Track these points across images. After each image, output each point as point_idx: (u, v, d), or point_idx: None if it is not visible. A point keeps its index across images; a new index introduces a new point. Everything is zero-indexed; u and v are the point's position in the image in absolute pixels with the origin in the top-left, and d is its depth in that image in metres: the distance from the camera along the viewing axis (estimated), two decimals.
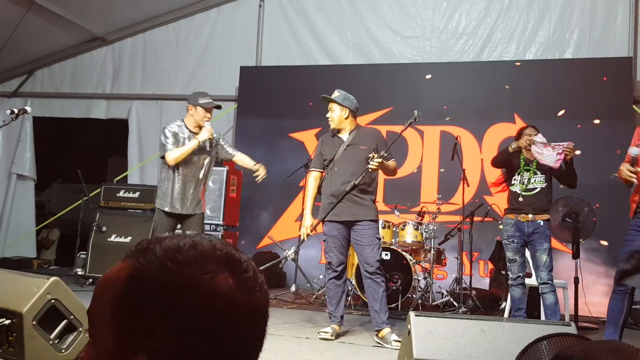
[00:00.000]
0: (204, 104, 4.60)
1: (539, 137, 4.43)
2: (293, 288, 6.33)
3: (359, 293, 5.82)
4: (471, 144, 7.22)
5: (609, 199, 6.48)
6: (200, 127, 4.61)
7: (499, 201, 6.73)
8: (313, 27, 8.34)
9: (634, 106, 6.79)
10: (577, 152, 4.47)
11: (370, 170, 4.18)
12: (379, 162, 4.16)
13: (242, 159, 4.82)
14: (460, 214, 6.17)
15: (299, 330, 4.49)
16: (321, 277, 6.78)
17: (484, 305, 5.97)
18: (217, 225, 6.44)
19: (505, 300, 5.30)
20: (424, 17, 7.93)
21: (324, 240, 4.43)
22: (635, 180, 3.57)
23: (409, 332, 2.45)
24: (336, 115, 4.45)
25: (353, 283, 5.92)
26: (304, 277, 6.65)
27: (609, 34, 7.16)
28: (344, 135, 4.46)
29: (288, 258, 4.55)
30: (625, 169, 3.56)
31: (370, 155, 4.23)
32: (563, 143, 4.36)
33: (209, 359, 0.70)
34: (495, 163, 4.77)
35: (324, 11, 8.30)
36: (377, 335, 4.18)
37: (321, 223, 4.40)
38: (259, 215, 8.01)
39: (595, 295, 6.46)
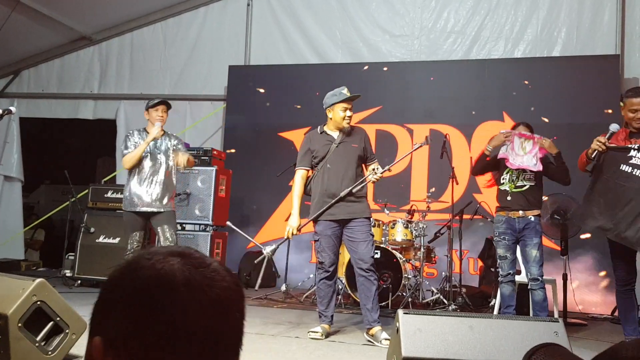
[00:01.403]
0: (151, 105, 4.96)
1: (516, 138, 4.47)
2: (283, 287, 6.32)
3: (350, 292, 5.82)
4: (460, 142, 7.23)
5: None
6: (161, 130, 4.98)
7: (488, 199, 6.75)
8: (302, 25, 8.32)
9: (621, 104, 6.82)
10: (555, 148, 4.49)
11: (370, 181, 4.22)
12: (380, 177, 4.20)
13: (183, 158, 4.99)
14: (449, 212, 6.18)
15: (289, 330, 4.47)
16: (311, 276, 6.78)
17: (474, 302, 5.99)
18: (206, 225, 6.41)
19: (495, 298, 5.31)
20: (412, 15, 7.94)
21: (316, 240, 4.37)
22: (599, 148, 3.82)
23: (398, 330, 2.44)
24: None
25: (343, 282, 5.92)
26: (280, 275, 6.65)
27: (597, 31, 7.20)
28: (334, 133, 4.39)
29: (266, 256, 4.51)
30: (599, 138, 3.83)
31: (374, 167, 4.27)
32: (535, 135, 4.42)
33: (164, 343, 0.71)
34: (476, 172, 4.80)
35: (313, 10, 8.29)
36: (367, 333, 4.17)
37: (312, 222, 4.35)
38: (249, 216, 7.98)
39: (583, 291, 6.50)
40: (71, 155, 10.99)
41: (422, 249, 6.02)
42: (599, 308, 6.42)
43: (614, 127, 3.83)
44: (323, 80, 7.98)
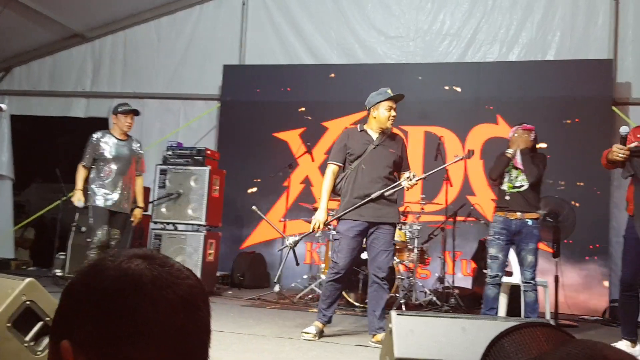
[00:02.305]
0: (122, 111, 5.32)
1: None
2: (277, 288, 6.29)
3: (343, 292, 5.79)
4: (454, 144, 7.24)
5: (588, 197, 6.55)
6: (124, 134, 5.40)
7: (481, 201, 6.77)
8: (297, 25, 8.31)
9: (613, 107, 6.86)
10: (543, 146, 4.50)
11: (404, 188, 4.13)
12: (415, 184, 4.11)
13: (138, 188, 5.55)
14: (443, 214, 6.18)
15: (282, 330, 4.45)
16: (305, 277, 6.77)
17: (467, 303, 5.99)
18: (199, 226, 6.37)
19: None
20: (408, 17, 7.94)
21: (335, 239, 4.23)
22: (621, 158, 3.59)
23: (390, 331, 2.43)
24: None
25: None
26: (299, 264, 6.58)
27: (590, 36, 7.23)
28: (374, 134, 4.26)
29: (288, 246, 4.46)
30: (615, 147, 3.61)
31: (409, 175, 4.15)
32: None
33: (135, 341, 0.71)
34: (497, 175, 4.55)
35: (308, 10, 8.28)
36: (372, 339, 4.10)
37: (335, 220, 4.27)
38: (242, 217, 7.95)
39: (574, 293, 6.51)
40: (63, 154, 10.91)
41: (415, 251, 6.01)
42: (590, 310, 6.44)
43: (623, 130, 3.67)
44: (318, 81, 7.99)
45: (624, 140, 3.62)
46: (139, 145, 5.57)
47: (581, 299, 6.55)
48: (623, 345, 3.89)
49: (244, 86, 8.22)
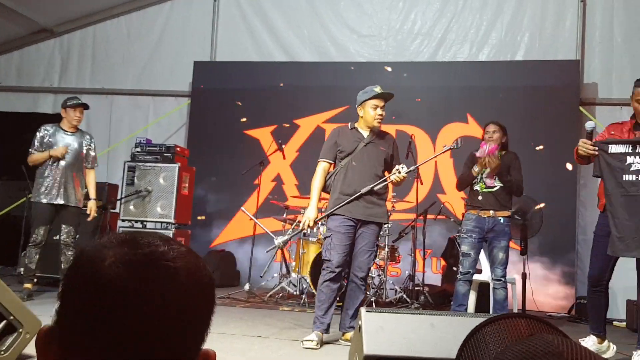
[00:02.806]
0: (71, 105, 5.31)
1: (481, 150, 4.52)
2: (247, 287, 6.25)
3: (314, 291, 5.79)
4: (425, 142, 7.30)
5: (555, 195, 6.66)
6: (74, 127, 5.38)
7: (451, 199, 6.83)
8: (269, 22, 8.27)
9: (581, 108, 7.00)
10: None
11: (391, 181, 4.07)
12: (403, 177, 4.03)
13: (89, 182, 5.46)
14: (414, 212, 6.22)
15: (251, 329, 4.42)
16: (275, 275, 6.74)
17: (436, 301, 6.05)
18: (168, 223, 6.30)
19: None
20: (380, 16, 7.97)
21: (326, 237, 4.10)
22: (584, 152, 3.60)
23: (360, 328, 2.44)
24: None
25: (308, 281, 5.89)
26: (286, 268, 6.56)
27: (558, 37, 7.36)
28: (364, 132, 4.22)
29: (278, 246, 4.39)
30: (582, 143, 3.61)
31: (398, 167, 4.04)
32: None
33: (104, 334, 0.68)
34: (462, 188, 4.84)
35: (281, 7, 8.25)
36: (342, 337, 4.09)
37: (325, 218, 4.20)
38: (212, 214, 7.89)
39: (541, 290, 6.63)
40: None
41: (386, 248, 6.04)
42: (557, 306, 6.56)
43: (589, 125, 3.69)
44: (290, 79, 7.96)
45: (589, 136, 3.65)
46: (89, 137, 5.52)
47: (548, 295, 6.67)
48: (590, 341, 3.95)
49: (215, 83, 8.14)
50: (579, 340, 3.83)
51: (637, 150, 3.48)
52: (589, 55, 7.22)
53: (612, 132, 3.86)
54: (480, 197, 4.54)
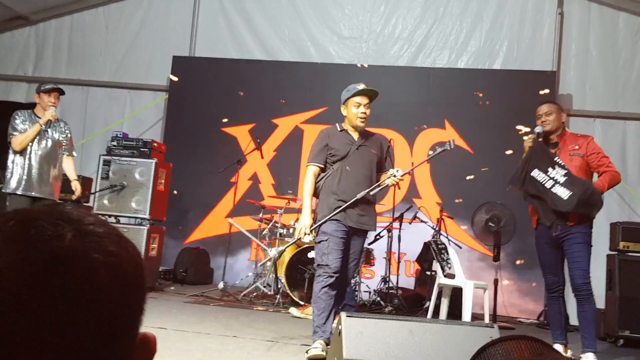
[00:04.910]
0: (45, 89, 5.03)
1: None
2: (221, 285, 6.22)
3: (288, 291, 5.80)
4: (403, 147, 7.35)
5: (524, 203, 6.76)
6: (54, 114, 5.06)
7: (427, 204, 6.91)
8: (250, 20, 8.23)
9: None
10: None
11: (387, 185, 3.93)
12: (399, 181, 3.92)
13: (68, 167, 5.17)
14: (390, 216, 6.27)
15: (226, 329, 4.40)
16: (250, 274, 6.73)
17: (409, 304, 6.10)
18: (142, 219, 6.23)
19: (429, 300, 5.43)
20: (361, 18, 8.00)
21: (319, 242, 3.85)
22: (526, 145, 4.03)
23: (340, 333, 2.45)
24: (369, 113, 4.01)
25: (283, 281, 5.89)
26: (281, 280, 6.47)
27: (535, 47, 7.49)
28: (354, 134, 4.03)
29: (272, 258, 4.14)
30: (526, 138, 4.02)
31: (393, 171, 3.91)
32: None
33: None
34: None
35: (262, 5, 8.22)
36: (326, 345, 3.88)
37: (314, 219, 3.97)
38: (187, 210, 7.83)
39: (511, 296, 6.74)
40: (1, 140, 10.44)
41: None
42: (527, 312, 6.68)
43: (538, 129, 4.08)
44: (269, 77, 7.94)
45: (537, 136, 4.02)
46: (64, 124, 5.18)
47: (519, 301, 6.79)
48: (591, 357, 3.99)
49: (194, 78, 8.08)
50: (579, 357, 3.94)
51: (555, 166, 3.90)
52: (565, 66, 7.37)
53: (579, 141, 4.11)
54: None
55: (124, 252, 0.60)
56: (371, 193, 3.90)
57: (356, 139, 4.03)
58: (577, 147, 3.99)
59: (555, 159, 3.92)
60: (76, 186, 5.09)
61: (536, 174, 3.95)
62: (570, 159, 3.93)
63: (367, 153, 4.03)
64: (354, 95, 3.98)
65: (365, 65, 7.63)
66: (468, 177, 6.99)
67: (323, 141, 4.02)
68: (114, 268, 0.58)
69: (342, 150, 3.96)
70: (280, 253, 4.05)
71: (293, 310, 5.40)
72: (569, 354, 4.10)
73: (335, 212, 3.82)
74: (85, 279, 0.56)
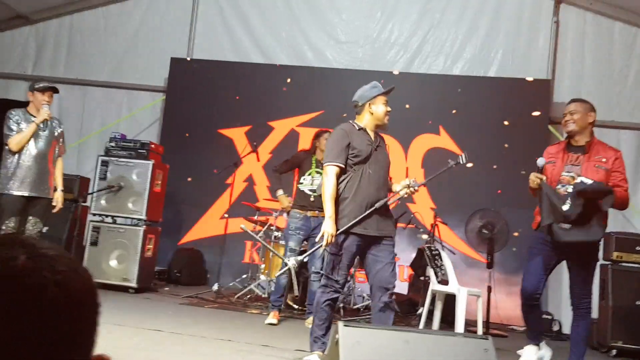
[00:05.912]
0: (39, 88, 4.92)
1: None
2: (215, 287, 6.25)
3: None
4: (398, 152, 7.41)
5: (521, 213, 6.84)
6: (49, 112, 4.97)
7: (421, 209, 6.97)
8: (248, 23, 8.27)
9: (550, 126, 7.21)
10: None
11: (405, 195, 3.74)
12: (416, 191, 3.73)
13: (58, 170, 5.05)
14: None
15: (221, 332, 4.44)
16: (244, 276, 6.76)
17: (402, 309, 6.15)
18: (139, 220, 6.26)
19: (423, 306, 5.49)
20: (358, 24, 8.05)
21: (334, 254, 3.62)
22: (535, 185, 3.73)
23: (337, 342, 2.49)
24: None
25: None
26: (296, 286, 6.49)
27: (531, 55, 7.55)
28: (371, 134, 3.78)
29: (292, 268, 3.97)
30: (532, 175, 3.74)
31: (409, 182, 3.71)
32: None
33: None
34: None
35: (259, 8, 8.26)
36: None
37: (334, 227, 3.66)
38: (182, 212, 7.86)
39: (505, 304, 6.81)
40: None
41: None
42: (520, 320, 6.72)
43: (540, 161, 3.80)
44: (266, 80, 7.98)
45: (540, 171, 3.77)
46: (58, 122, 5.11)
47: (511, 309, 6.85)
48: (528, 349, 4.02)
49: (191, 80, 8.11)
50: (517, 352, 3.98)
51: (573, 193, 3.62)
52: (559, 75, 7.44)
53: (550, 153, 3.93)
54: (312, 199, 5.21)
55: (73, 272, 0.65)
56: (388, 202, 3.73)
57: (373, 139, 3.78)
58: (604, 159, 3.73)
59: (566, 197, 3.67)
60: (57, 198, 4.94)
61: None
62: (596, 170, 3.68)
63: (384, 155, 3.82)
64: (385, 92, 3.82)
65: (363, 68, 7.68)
66: (461, 183, 7.06)
67: (344, 140, 3.69)
68: (64, 285, 0.63)
69: (364, 151, 3.67)
70: (300, 262, 3.86)
71: (269, 318, 5.21)
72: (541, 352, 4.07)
73: (354, 221, 3.57)
74: (37, 294, 0.61)
